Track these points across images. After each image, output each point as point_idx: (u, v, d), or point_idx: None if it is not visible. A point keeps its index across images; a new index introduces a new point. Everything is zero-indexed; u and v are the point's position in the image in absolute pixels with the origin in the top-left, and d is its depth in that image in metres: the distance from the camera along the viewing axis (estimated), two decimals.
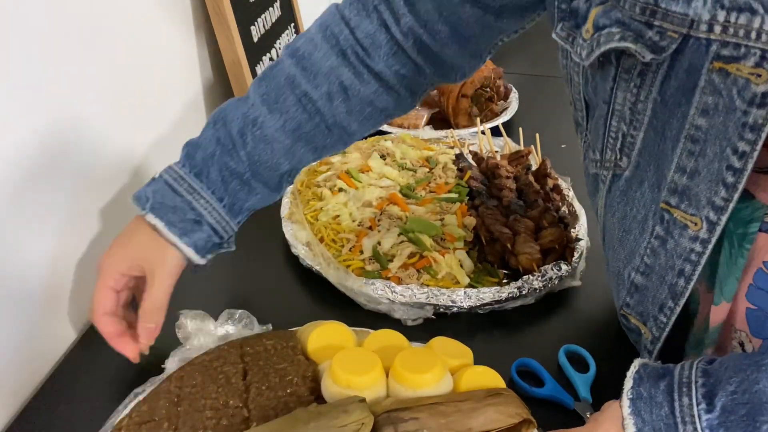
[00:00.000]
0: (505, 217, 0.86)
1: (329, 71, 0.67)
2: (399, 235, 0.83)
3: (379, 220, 0.86)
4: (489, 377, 0.61)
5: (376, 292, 0.77)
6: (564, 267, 0.81)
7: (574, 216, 0.91)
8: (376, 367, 0.60)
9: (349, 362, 0.60)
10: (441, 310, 0.78)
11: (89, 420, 0.62)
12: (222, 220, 0.68)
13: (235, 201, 0.69)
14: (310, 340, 0.66)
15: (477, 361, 0.66)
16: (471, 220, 0.86)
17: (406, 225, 0.84)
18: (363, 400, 0.56)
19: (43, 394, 0.68)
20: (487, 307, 0.78)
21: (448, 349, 0.65)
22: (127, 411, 0.60)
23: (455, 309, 0.78)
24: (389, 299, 0.77)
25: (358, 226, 0.86)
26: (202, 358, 0.65)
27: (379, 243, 0.82)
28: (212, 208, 0.67)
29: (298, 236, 0.86)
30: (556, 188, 0.95)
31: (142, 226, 0.66)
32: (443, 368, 0.60)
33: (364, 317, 0.78)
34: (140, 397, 0.62)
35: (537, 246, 0.82)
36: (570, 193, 0.97)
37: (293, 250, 0.85)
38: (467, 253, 0.83)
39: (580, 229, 0.89)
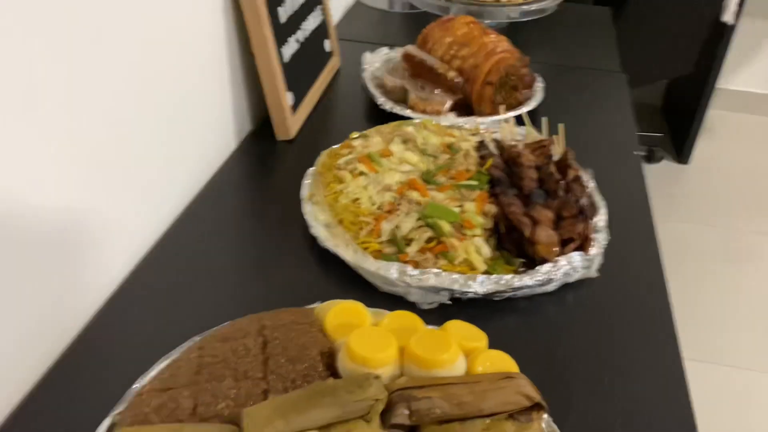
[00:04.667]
0: (525, 206, 0.87)
1: None
2: (417, 220, 0.84)
3: (398, 205, 0.87)
4: (503, 361, 0.62)
5: (392, 275, 0.79)
6: (581, 258, 0.82)
7: (594, 208, 0.91)
8: (391, 345, 0.61)
9: (365, 340, 0.61)
10: (456, 295, 0.79)
11: (119, 382, 0.63)
12: None
13: None
14: (328, 317, 0.67)
15: (491, 347, 0.67)
16: (490, 208, 0.87)
17: (425, 210, 0.84)
18: (378, 377, 0.57)
19: (74, 353, 0.71)
20: (502, 294, 0.79)
21: (463, 332, 0.66)
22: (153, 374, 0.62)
23: (471, 295, 0.79)
24: (405, 282, 0.78)
25: (377, 209, 0.87)
26: (222, 329, 0.66)
27: (397, 227, 0.83)
28: None
29: (317, 217, 0.88)
30: (577, 179, 0.95)
31: None
32: (457, 350, 0.61)
33: (379, 299, 0.79)
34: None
35: (556, 236, 0.82)
36: (591, 185, 0.97)
37: (312, 231, 0.87)
38: (485, 240, 0.84)
39: (600, 221, 0.89)
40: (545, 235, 0.81)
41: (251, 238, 0.92)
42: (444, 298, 0.78)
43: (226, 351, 0.63)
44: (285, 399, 0.55)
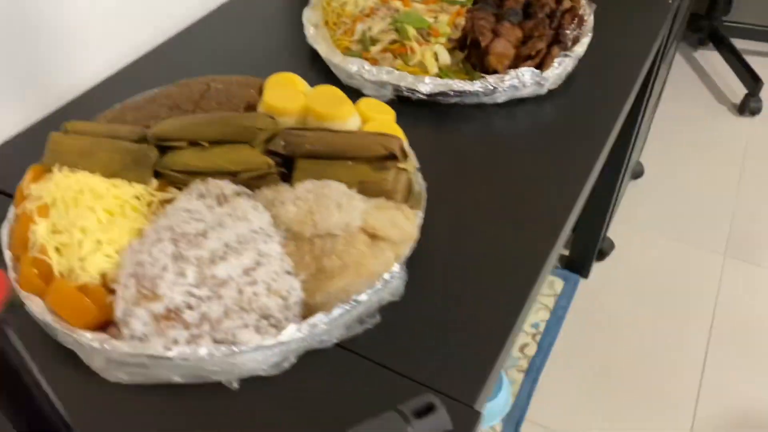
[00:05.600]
0: (498, 23, 0.89)
1: None
2: (389, 24, 0.90)
3: (377, 10, 0.93)
4: (391, 129, 0.70)
5: (351, 69, 0.87)
6: (532, 74, 0.84)
7: (576, 41, 0.91)
8: (296, 101, 0.71)
9: (278, 95, 0.72)
10: (405, 93, 0.86)
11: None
12: None
13: None
14: (267, 82, 0.78)
15: (420, 140, 0.74)
16: (462, 21, 0.91)
17: (398, 16, 0.90)
18: (271, 117, 0.68)
19: None
20: (447, 98, 0.85)
21: (372, 106, 0.74)
22: None
23: (418, 95, 0.85)
24: (362, 77, 0.86)
25: (359, 12, 0.94)
26: (182, 80, 0.80)
27: (369, 28, 0.90)
28: None
29: (310, 19, 0.97)
30: (571, 10, 0.95)
31: None
32: (350, 110, 0.70)
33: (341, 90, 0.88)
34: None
35: (512, 50, 0.85)
36: (589, 19, 0.96)
37: (304, 30, 0.96)
38: (447, 50, 0.89)
39: (575, 50, 0.90)
40: (501, 46, 0.85)
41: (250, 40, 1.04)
42: (388, 92, 0.86)
43: (174, 92, 0.77)
44: (191, 117, 0.69)
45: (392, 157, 0.65)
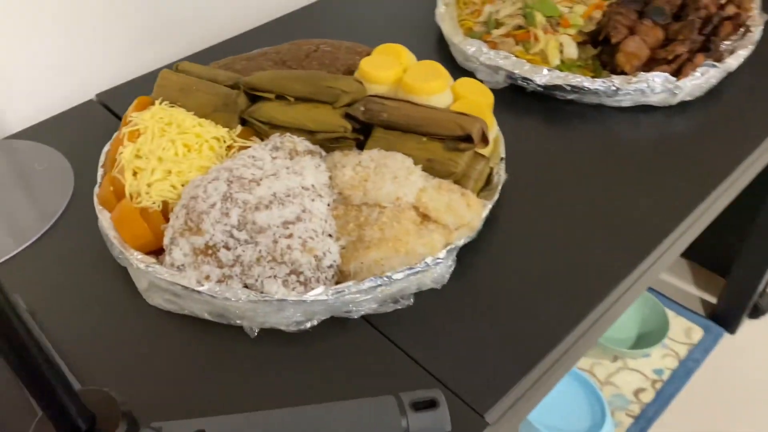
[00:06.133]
0: (638, 21, 0.81)
1: None
2: (519, 9, 0.85)
3: None
4: (480, 112, 0.66)
5: (468, 50, 0.83)
6: (664, 80, 0.75)
7: (731, 53, 0.80)
8: (391, 71, 0.70)
9: (374, 63, 0.71)
10: (519, 82, 0.80)
11: None
12: None
13: None
14: (374, 50, 0.77)
15: (505, 130, 0.70)
16: (598, 14, 0.83)
17: (530, 1, 0.85)
18: (360, 83, 0.67)
19: None
20: (563, 93, 0.78)
21: (469, 86, 0.70)
22: None
23: (532, 85, 0.79)
24: (477, 59, 0.82)
25: None
26: (296, 40, 0.82)
27: (496, 11, 0.86)
28: None
29: None
30: (736, 19, 0.83)
31: None
32: (441, 86, 0.67)
33: (458, 75, 0.85)
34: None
35: (646, 51, 0.76)
36: (756, 31, 0.83)
37: (435, 10, 0.93)
38: (581, 45, 0.82)
39: (727, 62, 0.78)
40: (633, 45, 0.76)
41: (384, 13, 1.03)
42: (501, 79, 0.81)
43: (284, 49, 0.78)
44: (283, 71, 0.70)
45: (468, 139, 0.61)
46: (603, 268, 0.60)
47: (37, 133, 0.80)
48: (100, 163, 0.68)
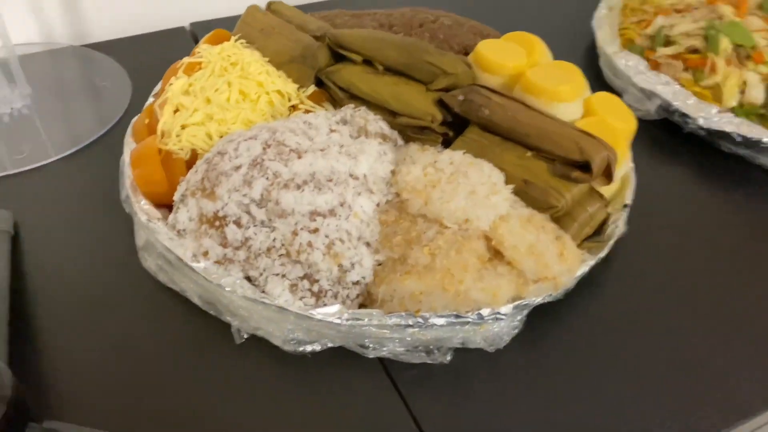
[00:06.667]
0: None
1: None
2: (701, 28, 0.67)
3: (695, 9, 0.70)
4: (615, 140, 0.49)
5: (619, 65, 0.67)
6: None
7: None
8: (513, 62, 0.55)
9: (496, 49, 0.56)
10: (674, 117, 0.63)
11: None
12: None
13: None
14: (505, 36, 0.62)
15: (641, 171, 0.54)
16: None
17: (719, 24, 0.66)
18: (469, 66, 0.53)
19: None
20: (727, 142, 0.60)
21: (608, 103, 0.54)
22: None
23: (691, 125, 0.62)
24: (629, 77, 0.65)
25: (669, 5, 0.71)
26: (414, 8, 0.69)
27: (671, 25, 0.68)
28: None
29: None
30: None
31: None
32: (571, 93, 0.51)
33: (597, 87, 0.69)
34: None
35: None
36: None
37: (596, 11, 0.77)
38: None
39: None
40: None
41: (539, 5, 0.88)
42: (652, 109, 0.63)
43: (397, 13, 0.66)
44: (381, 33, 0.57)
45: (586, 167, 0.45)
46: (726, 389, 0.43)
47: (115, 48, 0.73)
48: (154, 91, 0.59)
